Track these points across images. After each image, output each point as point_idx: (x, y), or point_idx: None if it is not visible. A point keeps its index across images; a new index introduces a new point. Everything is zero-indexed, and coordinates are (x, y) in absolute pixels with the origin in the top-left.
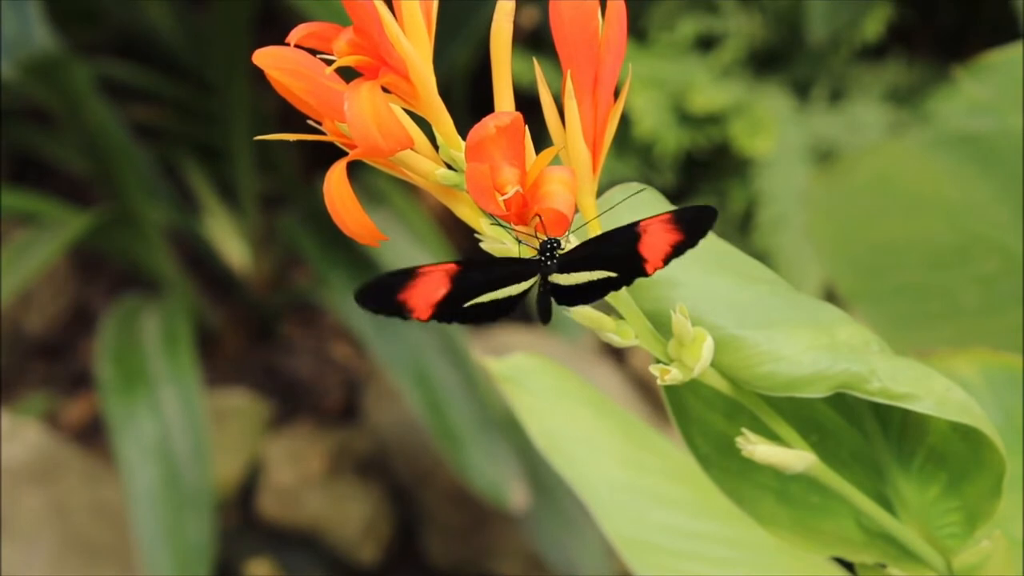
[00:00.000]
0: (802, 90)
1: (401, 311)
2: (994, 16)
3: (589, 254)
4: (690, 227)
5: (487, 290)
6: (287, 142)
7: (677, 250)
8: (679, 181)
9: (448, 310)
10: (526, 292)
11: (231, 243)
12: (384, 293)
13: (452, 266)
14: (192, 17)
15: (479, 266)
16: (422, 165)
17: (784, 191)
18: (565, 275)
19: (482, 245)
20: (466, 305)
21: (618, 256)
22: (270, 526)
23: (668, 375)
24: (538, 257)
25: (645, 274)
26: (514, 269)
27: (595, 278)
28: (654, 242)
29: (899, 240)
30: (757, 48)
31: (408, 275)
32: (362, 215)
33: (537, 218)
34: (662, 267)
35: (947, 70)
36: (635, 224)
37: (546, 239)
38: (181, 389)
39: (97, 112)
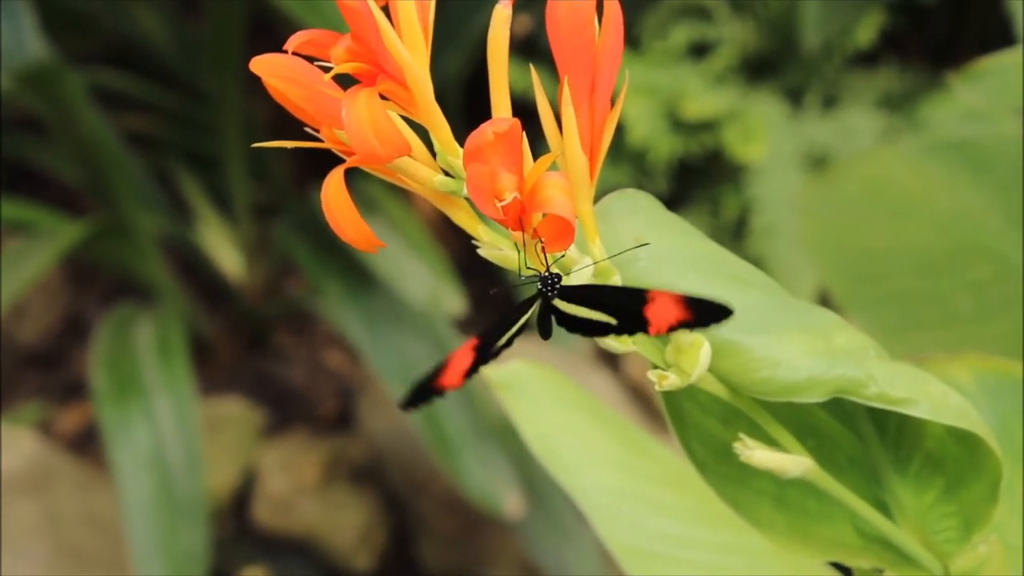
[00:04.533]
0: (795, 97)
1: (439, 393)
2: (985, 23)
3: (593, 297)
4: (701, 314)
5: (503, 335)
6: (281, 151)
7: (683, 326)
8: (672, 188)
9: (475, 369)
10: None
11: (224, 252)
12: (423, 395)
13: (474, 340)
14: (185, 26)
15: (497, 327)
16: (420, 172)
17: (777, 198)
18: (566, 304)
19: (480, 251)
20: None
21: (623, 310)
22: (264, 534)
23: (666, 381)
24: (540, 288)
25: (647, 332)
26: (521, 310)
27: (596, 317)
28: (661, 311)
29: (892, 246)
30: (750, 55)
31: (437, 370)
32: (360, 222)
33: (538, 224)
34: (664, 334)
35: (939, 77)
36: (645, 291)
37: (547, 274)
38: (175, 398)
39: (90, 121)
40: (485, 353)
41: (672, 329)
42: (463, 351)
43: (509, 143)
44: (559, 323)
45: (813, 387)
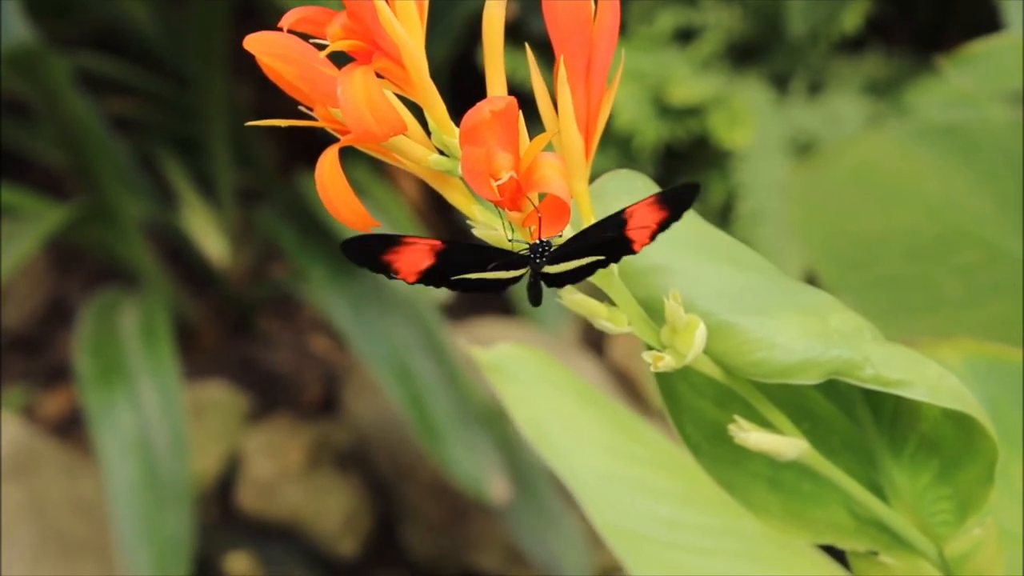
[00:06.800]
0: (781, 83)
1: (387, 271)
2: (971, 9)
3: (579, 247)
4: (674, 203)
5: (474, 270)
6: (265, 135)
7: (663, 226)
8: (658, 173)
9: (434, 280)
10: (516, 279)
11: (209, 236)
12: (371, 250)
13: (438, 243)
14: (169, 10)
15: (465, 249)
16: (414, 151)
17: (763, 183)
18: (555, 266)
19: (474, 231)
20: (454, 278)
21: (607, 242)
22: (249, 519)
23: (661, 362)
24: (529, 255)
25: (632, 251)
26: (501, 258)
27: (584, 263)
28: (640, 223)
29: (880, 232)
30: (736, 41)
31: (395, 240)
32: (354, 201)
33: (532, 205)
34: (648, 243)
35: (925, 63)
36: (622, 211)
37: (537, 242)
38: (160, 382)
39: (74, 105)
40: (446, 269)
41: (654, 235)
42: (423, 248)
43: (506, 121)
44: (547, 284)
45: (809, 369)
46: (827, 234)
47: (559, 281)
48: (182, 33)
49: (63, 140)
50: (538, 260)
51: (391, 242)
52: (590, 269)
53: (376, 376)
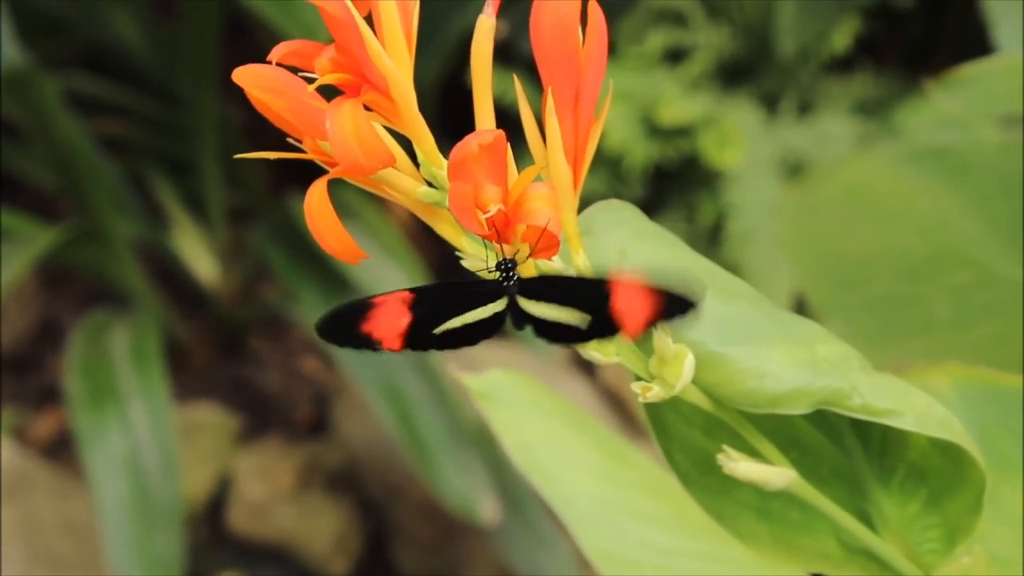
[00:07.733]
0: (771, 103)
1: (369, 343)
2: (961, 28)
3: (555, 290)
4: (669, 306)
5: (454, 315)
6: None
7: (654, 323)
8: (648, 194)
9: (419, 338)
10: (502, 314)
11: (200, 257)
12: (345, 325)
13: (406, 294)
14: (160, 30)
15: (436, 291)
16: (403, 183)
17: (753, 204)
18: (532, 303)
19: (463, 263)
20: (438, 332)
21: (589, 306)
22: (240, 541)
23: (650, 392)
24: (498, 278)
25: (623, 333)
26: (474, 292)
27: (567, 319)
28: (630, 304)
29: (871, 252)
30: (726, 61)
31: (365, 306)
32: (343, 233)
33: (520, 236)
34: (640, 335)
35: (915, 82)
36: (605, 281)
37: (502, 260)
38: (150, 403)
39: (65, 126)
40: (426, 322)
41: (647, 328)
42: (395, 304)
43: (493, 155)
44: (537, 333)
45: (798, 398)
46: (817, 254)
47: (548, 335)
48: (173, 53)
49: (53, 161)
50: (506, 283)
51: (361, 308)
52: (578, 335)
53: (366, 397)
